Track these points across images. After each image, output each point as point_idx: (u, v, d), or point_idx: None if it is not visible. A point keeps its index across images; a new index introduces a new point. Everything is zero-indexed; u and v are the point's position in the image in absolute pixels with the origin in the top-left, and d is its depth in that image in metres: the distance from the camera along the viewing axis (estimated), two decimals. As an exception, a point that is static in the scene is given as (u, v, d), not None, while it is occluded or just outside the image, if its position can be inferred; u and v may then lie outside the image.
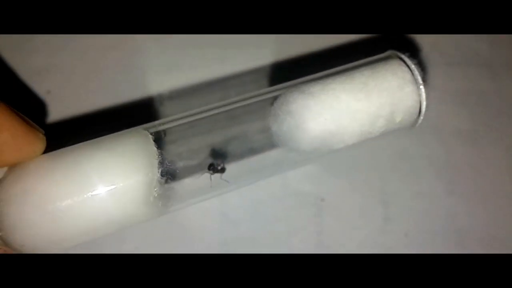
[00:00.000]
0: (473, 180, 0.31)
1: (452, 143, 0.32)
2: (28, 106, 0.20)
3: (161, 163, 0.21)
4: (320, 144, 0.23)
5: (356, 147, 0.25)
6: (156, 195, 0.20)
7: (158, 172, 0.20)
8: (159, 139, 0.22)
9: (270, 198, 0.29)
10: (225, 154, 0.24)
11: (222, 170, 0.23)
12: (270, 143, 0.25)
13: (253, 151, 0.25)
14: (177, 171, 0.22)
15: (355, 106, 0.23)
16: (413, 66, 0.24)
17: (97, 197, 0.19)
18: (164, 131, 0.23)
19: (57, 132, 0.21)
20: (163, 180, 0.21)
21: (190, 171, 0.23)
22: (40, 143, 0.21)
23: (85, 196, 0.19)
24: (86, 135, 0.22)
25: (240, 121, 0.25)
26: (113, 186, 0.19)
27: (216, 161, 0.23)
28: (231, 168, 0.24)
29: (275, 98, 0.25)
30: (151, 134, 0.21)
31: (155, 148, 0.21)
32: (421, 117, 0.25)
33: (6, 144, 0.20)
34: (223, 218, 0.29)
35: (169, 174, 0.21)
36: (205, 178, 0.23)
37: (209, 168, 0.23)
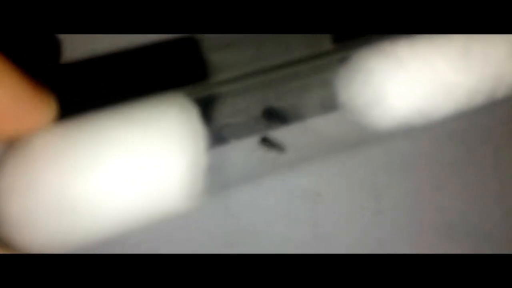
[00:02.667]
0: (461, 177, 0.32)
1: (441, 140, 0.32)
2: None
3: (209, 146, 0.16)
4: (401, 123, 0.19)
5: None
6: (200, 188, 0.16)
7: (204, 159, 0.16)
8: (206, 109, 0.16)
9: (265, 193, 0.29)
10: (278, 128, 0.19)
11: (279, 148, 0.18)
12: (333, 116, 0.20)
13: (310, 126, 0.20)
14: (230, 154, 0.17)
15: (453, 78, 0.18)
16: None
17: (121, 190, 0.15)
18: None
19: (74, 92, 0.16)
20: (210, 169, 0.16)
21: (243, 149, 0.18)
22: (48, 110, 0.16)
23: (107, 187, 0.15)
24: (108, 97, 0.16)
25: (297, 86, 0.20)
26: (142, 179, 0.15)
27: (272, 139, 0.18)
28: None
29: (344, 58, 0.19)
30: (196, 103, 0.16)
31: (201, 126, 0.16)
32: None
33: (2, 109, 0.15)
34: (221, 213, 0.28)
35: (219, 160, 0.16)
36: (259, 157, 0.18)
37: (263, 143, 0.18)
